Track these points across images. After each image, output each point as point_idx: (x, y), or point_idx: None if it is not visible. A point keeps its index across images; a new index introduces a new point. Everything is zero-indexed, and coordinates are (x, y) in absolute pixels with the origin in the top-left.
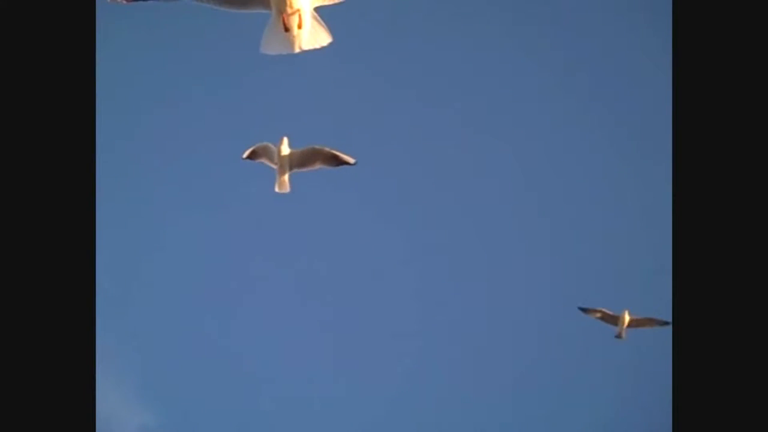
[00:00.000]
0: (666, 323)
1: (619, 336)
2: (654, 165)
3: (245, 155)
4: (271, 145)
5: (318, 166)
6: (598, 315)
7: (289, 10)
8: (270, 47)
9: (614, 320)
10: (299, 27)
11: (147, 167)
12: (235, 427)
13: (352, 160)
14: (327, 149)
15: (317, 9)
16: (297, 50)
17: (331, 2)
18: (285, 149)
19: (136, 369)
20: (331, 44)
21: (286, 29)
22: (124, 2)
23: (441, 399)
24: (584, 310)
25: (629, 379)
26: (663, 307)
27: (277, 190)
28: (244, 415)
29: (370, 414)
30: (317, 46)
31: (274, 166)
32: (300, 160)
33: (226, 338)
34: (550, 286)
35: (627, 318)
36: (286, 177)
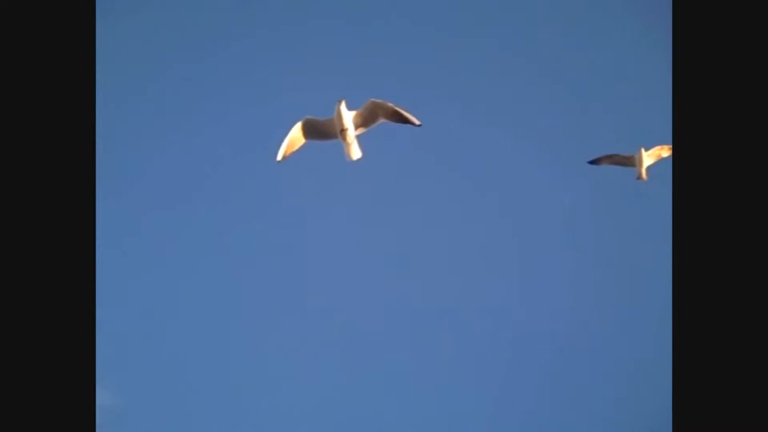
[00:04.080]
0: None
1: (639, 178)
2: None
3: (282, 156)
4: (317, 119)
5: (381, 120)
6: (611, 161)
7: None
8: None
9: (630, 161)
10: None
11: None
12: (194, 408)
13: (417, 122)
14: (389, 104)
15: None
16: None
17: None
18: (346, 111)
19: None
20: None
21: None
22: None
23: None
24: (594, 161)
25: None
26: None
27: (353, 157)
28: (203, 396)
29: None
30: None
31: (329, 139)
32: (362, 119)
33: (188, 317)
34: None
35: (644, 155)
36: (354, 139)
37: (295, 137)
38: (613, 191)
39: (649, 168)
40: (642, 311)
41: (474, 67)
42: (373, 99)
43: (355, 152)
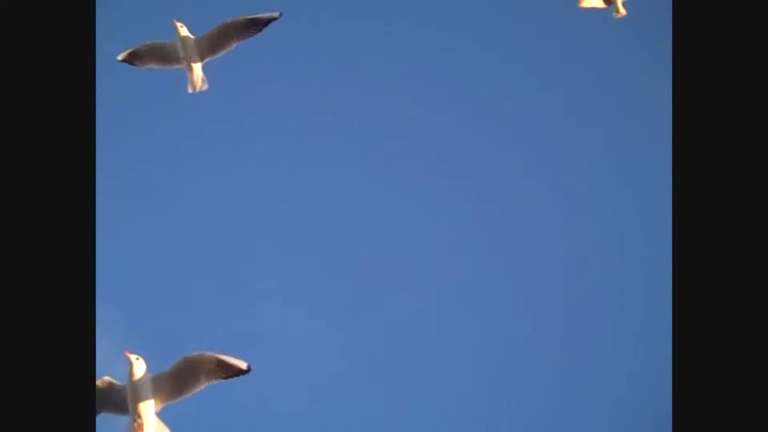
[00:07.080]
0: None
1: (617, 13)
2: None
3: (123, 56)
4: (161, 42)
5: (234, 43)
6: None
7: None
8: None
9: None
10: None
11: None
12: (232, 401)
13: (275, 15)
14: (241, 17)
15: None
16: None
17: None
18: (187, 33)
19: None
20: None
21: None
22: None
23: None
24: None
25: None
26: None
27: (196, 88)
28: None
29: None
30: None
31: (172, 65)
32: (210, 44)
33: (220, 308)
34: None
35: None
36: (200, 70)
37: (139, 52)
38: (610, 190)
39: (625, 3)
40: (642, 310)
41: (465, 65)
42: (225, 20)
43: (199, 83)
